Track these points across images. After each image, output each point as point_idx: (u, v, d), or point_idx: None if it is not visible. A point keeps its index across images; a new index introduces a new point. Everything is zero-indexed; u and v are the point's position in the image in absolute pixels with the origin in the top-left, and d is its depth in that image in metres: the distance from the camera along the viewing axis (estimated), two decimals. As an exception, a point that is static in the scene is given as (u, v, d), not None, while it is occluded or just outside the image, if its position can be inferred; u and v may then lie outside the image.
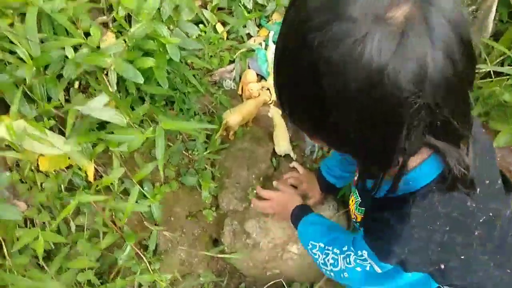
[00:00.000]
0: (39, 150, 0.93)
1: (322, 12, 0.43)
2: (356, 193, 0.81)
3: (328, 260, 0.82)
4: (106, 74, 0.95)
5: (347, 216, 1.19)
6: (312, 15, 0.44)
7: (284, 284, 1.16)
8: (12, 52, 0.89)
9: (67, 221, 1.04)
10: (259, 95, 1.18)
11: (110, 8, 1.12)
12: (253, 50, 1.26)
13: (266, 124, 1.24)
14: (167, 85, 0.95)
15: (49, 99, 1.00)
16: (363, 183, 0.73)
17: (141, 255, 1.07)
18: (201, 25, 1.21)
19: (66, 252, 1.01)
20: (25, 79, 0.90)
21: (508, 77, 1.09)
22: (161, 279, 1.03)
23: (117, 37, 1.07)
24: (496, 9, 1.05)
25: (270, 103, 1.20)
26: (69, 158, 0.99)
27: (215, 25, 1.24)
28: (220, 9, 1.26)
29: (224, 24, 1.28)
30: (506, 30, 1.07)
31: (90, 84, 1.06)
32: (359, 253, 0.72)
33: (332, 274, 0.82)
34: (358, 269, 0.73)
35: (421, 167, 0.57)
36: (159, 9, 0.98)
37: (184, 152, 1.18)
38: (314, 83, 0.45)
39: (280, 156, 1.18)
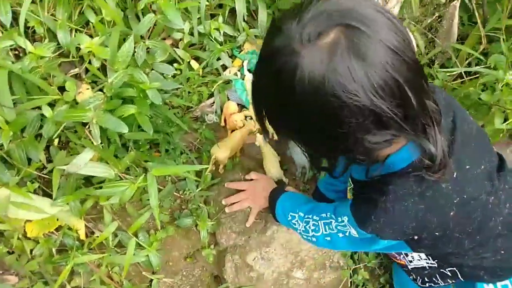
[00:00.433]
0: (25, 216, 0.89)
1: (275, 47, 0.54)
2: (349, 181, 0.93)
3: (309, 227, 0.88)
4: (87, 127, 0.92)
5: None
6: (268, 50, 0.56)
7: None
8: (-15, 119, 0.85)
9: (63, 285, 0.99)
10: (243, 125, 1.18)
11: (81, 59, 1.10)
12: (230, 81, 1.26)
13: (254, 153, 1.23)
14: (152, 131, 0.93)
15: (28, 159, 0.96)
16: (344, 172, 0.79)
17: (146, 308, 1.02)
18: (175, 64, 1.20)
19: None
20: (2, 145, 0.86)
21: (477, 76, 1.14)
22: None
23: (92, 88, 1.05)
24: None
25: (256, 132, 1.20)
26: (57, 219, 0.94)
27: (189, 62, 1.24)
28: (191, 45, 1.26)
29: (197, 59, 1.27)
30: (469, 32, 1.13)
31: (70, 139, 1.02)
32: (339, 219, 0.79)
33: (314, 239, 0.88)
34: (340, 234, 0.81)
35: (399, 153, 0.64)
36: (133, 55, 0.97)
37: (175, 193, 1.15)
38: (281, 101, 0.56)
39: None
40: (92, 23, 1.05)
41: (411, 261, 0.90)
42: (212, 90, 1.24)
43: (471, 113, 1.12)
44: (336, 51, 0.49)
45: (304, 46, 0.51)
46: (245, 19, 1.27)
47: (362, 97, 0.50)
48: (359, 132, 0.53)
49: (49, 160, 1.01)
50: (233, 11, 1.27)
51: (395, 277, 1.14)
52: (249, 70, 1.29)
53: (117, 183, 0.87)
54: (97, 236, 0.99)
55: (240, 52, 1.32)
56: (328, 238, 0.85)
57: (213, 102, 1.24)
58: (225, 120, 1.23)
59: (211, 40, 1.26)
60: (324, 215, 0.86)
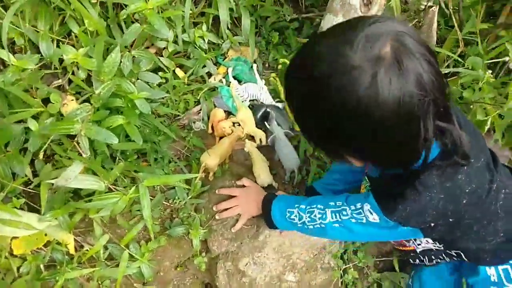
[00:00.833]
0: (11, 233, 0.86)
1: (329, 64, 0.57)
2: (365, 180, 0.94)
3: (315, 216, 0.91)
4: (75, 139, 0.91)
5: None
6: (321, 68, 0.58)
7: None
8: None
9: (53, 302, 0.96)
10: (232, 132, 1.18)
11: (64, 70, 1.08)
12: (216, 88, 1.27)
13: (243, 159, 1.23)
14: (141, 141, 0.92)
15: (13, 174, 0.93)
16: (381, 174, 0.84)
17: (139, 321, 1.01)
18: (160, 73, 1.19)
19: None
20: (-15, 161, 0.83)
21: (456, 76, 1.19)
22: None
23: (76, 99, 1.03)
24: (434, 19, 1.14)
25: (244, 138, 1.20)
26: (46, 234, 0.92)
27: (174, 70, 1.23)
28: (176, 53, 1.26)
29: (182, 67, 1.27)
30: (447, 36, 1.17)
31: (55, 152, 1.00)
32: (352, 207, 0.84)
33: (323, 226, 0.90)
34: (353, 220, 0.84)
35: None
36: (119, 65, 0.96)
37: (164, 202, 1.15)
38: (342, 126, 0.60)
39: (263, 187, 1.18)
40: (75, 33, 1.04)
41: (419, 244, 0.95)
42: (198, 97, 1.24)
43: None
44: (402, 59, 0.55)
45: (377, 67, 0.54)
46: (229, 27, 1.28)
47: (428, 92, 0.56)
48: (428, 132, 0.59)
49: (35, 174, 0.98)
50: (216, 19, 1.28)
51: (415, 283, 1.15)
52: (234, 77, 1.30)
53: (107, 195, 0.85)
54: (87, 250, 0.97)
55: (224, 59, 1.33)
56: (337, 225, 0.88)
57: (200, 110, 1.24)
58: (212, 127, 1.23)
59: (196, 48, 1.26)
60: (332, 203, 0.89)
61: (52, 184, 0.84)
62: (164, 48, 1.21)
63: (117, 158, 1.07)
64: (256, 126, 1.23)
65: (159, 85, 1.18)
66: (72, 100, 1.03)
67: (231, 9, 1.25)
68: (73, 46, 1.06)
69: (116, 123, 0.90)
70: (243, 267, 1.13)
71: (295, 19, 1.44)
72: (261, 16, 1.39)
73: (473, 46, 1.11)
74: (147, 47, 1.23)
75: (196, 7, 1.29)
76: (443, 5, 1.15)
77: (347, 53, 0.55)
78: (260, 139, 1.22)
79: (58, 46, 1.03)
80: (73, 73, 1.05)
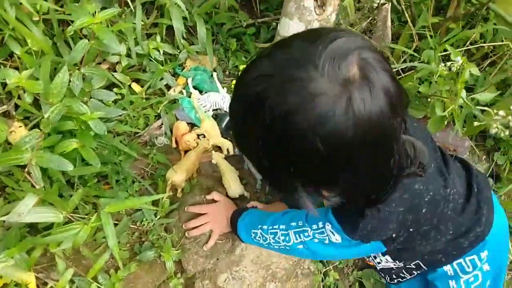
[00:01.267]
0: (-40, 280, 0.78)
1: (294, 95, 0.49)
2: None
3: (279, 238, 0.89)
4: (26, 169, 0.83)
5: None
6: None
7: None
8: None
9: None
10: (197, 144, 1.14)
11: (9, 95, 1.00)
12: (177, 100, 1.22)
13: (211, 171, 1.19)
14: (99, 164, 0.86)
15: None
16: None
17: None
18: (115, 89, 1.13)
19: None
20: None
21: (413, 71, 1.21)
22: None
23: (25, 125, 0.95)
24: (387, 15, 1.16)
25: (211, 150, 1.16)
26: (1, 277, 0.84)
27: (130, 85, 1.17)
28: (130, 67, 1.20)
29: (138, 81, 1.22)
30: (401, 32, 1.19)
31: (6, 184, 0.92)
32: (314, 226, 0.81)
33: (288, 248, 0.88)
34: (316, 240, 0.82)
35: None
36: (68, 84, 0.90)
37: (131, 225, 1.08)
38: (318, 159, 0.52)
39: (235, 198, 1.14)
40: (17, 54, 0.96)
41: (379, 263, 0.94)
42: (159, 111, 1.19)
43: (413, 106, 1.19)
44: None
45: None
46: (184, 36, 1.24)
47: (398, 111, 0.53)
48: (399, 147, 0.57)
49: (-17, 212, 0.90)
50: (170, 29, 1.24)
51: None
52: (194, 87, 1.26)
53: (67, 227, 0.79)
54: (51, 287, 0.89)
55: (182, 69, 1.29)
56: (301, 246, 0.85)
57: (161, 124, 1.19)
58: (176, 141, 1.18)
59: (151, 60, 1.21)
60: (293, 223, 0.86)
61: (4, 221, 0.76)
62: (117, 62, 1.15)
63: (75, 185, 1.00)
64: (222, 136, 1.20)
65: (115, 102, 1.12)
66: (20, 126, 0.95)
67: (184, 18, 1.21)
68: (17, 68, 0.99)
69: (69, 148, 0.83)
70: (222, 283, 1.09)
71: (251, 25, 1.42)
72: (217, 23, 1.36)
73: (427, 40, 1.14)
74: (99, 63, 1.16)
75: (148, 18, 1.24)
76: (395, 2, 1.17)
77: (311, 76, 0.48)
78: (228, 149, 1.19)
79: (-1, 69, 0.95)
80: (19, 97, 0.97)
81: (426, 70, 1.10)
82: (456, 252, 0.86)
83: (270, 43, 0.55)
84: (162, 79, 1.22)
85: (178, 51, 1.26)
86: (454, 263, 0.88)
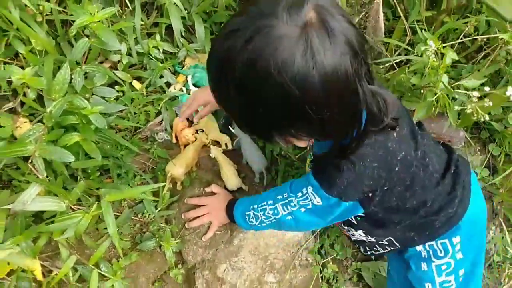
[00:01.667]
0: (-31, 266, 0.82)
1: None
2: (310, 155, 0.96)
3: (268, 213, 0.92)
4: (30, 162, 0.88)
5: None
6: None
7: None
8: None
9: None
10: (196, 139, 1.17)
11: (15, 92, 1.05)
12: (177, 97, 1.26)
13: (210, 165, 1.23)
14: (100, 157, 0.90)
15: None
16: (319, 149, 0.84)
17: None
18: (116, 86, 1.18)
19: None
20: None
21: (407, 65, 1.22)
22: None
23: (30, 121, 1.00)
24: (381, 10, 1.18)
25: (209, 144, 1.20)
26: (8, 263, 0.88)
27: (130, 83, 1.22)
28: (131, 66, 1.24)
29: (139, 79, 1.26)
30: (394, 26, 1.21)
31: (12, 177, 0.97)
32: (299, 194, 0.84)
33: (277, 220, 0.92)
34: (302, 209, 0.85)
35: None
36: (70, 82, 0.94)
37: (133, 217, 1.12)
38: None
39: (233, 191, 1.18)
40: (21, 54, 1.01)
41: (353, 235, 0.98)
42: (159, 108, 1.23)
43: (407, 97, 1.20)
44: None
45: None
46: (183, 35, 1.28)
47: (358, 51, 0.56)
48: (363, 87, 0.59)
49: (-8, 203, 0.94)
50: (169, 28, 1.28)
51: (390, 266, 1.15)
52: (194, 84, 1.30)
53: (69, 215, 0.83)
54: (56, 274, 0.93)
55: (182, 67, 1.32)
56: (289, 217, 0.89)
57: (162, 120, 1.23)
58: (176, 137, 1.22)
59: (151, 58, 1.25)
60: (279, 197, 0.90)
61: (9, 209, 0.81)
62: (119, 61, 1.20)
63: (78, 178, 1.04)
64: (220, 131, 1.23)
65: (117, 98, 1.16)
66: (26, 122, 1.00)
67: (183, 17, 1.25)
68: (22, 67, 1.04)
69: (71, 141, 0.87)
70: (222, 274, 1.12)
71: (249, 23, 1.45)
72: (215, 22, 1.39)
73: (422, 33, 1.15)
74: (101, 62, 1.21)
75: (148, 18, 1.28)
76: (387, -4, 1.19)
77: (272, 23, 0.53)
78: (226, 143, 1.22)
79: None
80: (24, 95, 1.02)
81: (420, 63, 1.11)
82: (429, 232, 0.87)
83: None
84: (162, 76, 1.26)
85: (178, 49, 1.30)
86: (427, 245, 0.90)
